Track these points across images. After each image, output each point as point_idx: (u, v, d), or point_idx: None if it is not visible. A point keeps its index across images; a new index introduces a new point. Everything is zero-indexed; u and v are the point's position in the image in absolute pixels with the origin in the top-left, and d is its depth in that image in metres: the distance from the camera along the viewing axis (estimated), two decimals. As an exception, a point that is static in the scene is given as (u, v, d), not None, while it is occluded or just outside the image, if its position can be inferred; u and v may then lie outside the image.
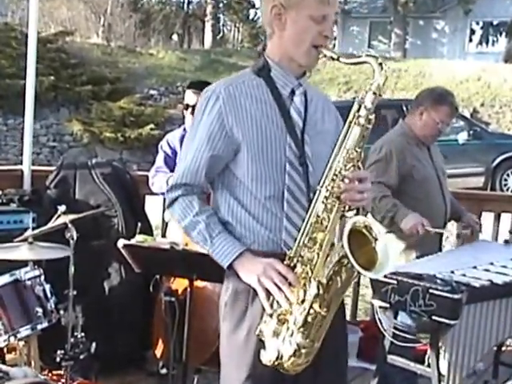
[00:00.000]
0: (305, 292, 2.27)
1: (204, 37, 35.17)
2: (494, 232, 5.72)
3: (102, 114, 19.50)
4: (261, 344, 2.32)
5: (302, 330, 2.27)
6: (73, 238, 3.76)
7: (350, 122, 2.36)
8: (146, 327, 4.42)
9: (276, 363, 2.29)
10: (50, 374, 4.00)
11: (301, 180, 2.43)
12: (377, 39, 35.96)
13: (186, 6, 37.52)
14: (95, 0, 31.71)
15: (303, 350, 2.27)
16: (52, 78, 19.87)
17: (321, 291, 2.25)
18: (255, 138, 2.41)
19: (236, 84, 2.46)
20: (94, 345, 3.87)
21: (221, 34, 37.22)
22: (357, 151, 2.35)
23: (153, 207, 5.26)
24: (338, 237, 2.32)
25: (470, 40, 34.77)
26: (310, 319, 2.27)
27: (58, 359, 3.74)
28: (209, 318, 3.87)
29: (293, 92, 2.50)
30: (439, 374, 3.33)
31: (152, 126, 18.90)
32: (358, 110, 2.36)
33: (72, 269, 3.81)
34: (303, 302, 2.27)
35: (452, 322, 3.20)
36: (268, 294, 2.31)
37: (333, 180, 2.33)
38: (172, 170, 4.47)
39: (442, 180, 4.46)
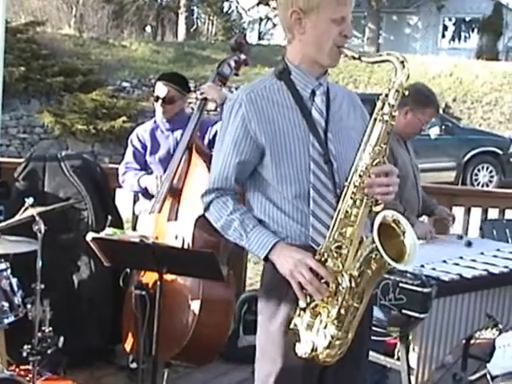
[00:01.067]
0: (337, 285, 2.34)
1: (178, 29, 35.03)
2: (465, 226, 5.77)
3: (73, 105, 19.29)
4: (295, 337, 2.40)
5: (335, 322, 2.34)
6: (40, 231, 3.71)
7: (375, 119, 2.41)
8: (116, 321, 4.40)
9: (311, 355, 2.36)
10: (17, 369, 3.97)
11: (326, 178, 2.49)
12: (350, 34, 36.05)
13: (159, -3, 37.36)
14: (67, -10, 31.44)
15: (337, 342, 2.35)
16: (22, 68, 19.60)
17: (353, 284, 2.33)
18: (278, 141, 2.48)
19: (257, 89, 2.53)
20: (61, 339, 3.84)
21: (194, 27, 37.06)
22: (382, 147, 2.40)
23: (123, 200, 5.23)
24: (368, 230, 2.39)
25: (443, 36, 35.06)
26: (343, 311, 2.34)
27: (25, 354, 3.70)
28: (179, 312, 3.87)
29: (313, 93, 2.56)
30: (409, 367, 3.38)
31: (124, 118, 18.77)
32: (382, 107, 2.41)
33: (40, 262, 3.76)
34: (336, 294, 2.34)
35: (422, 316, 3.24)
36: (301, 287, 2.37)
37: (360, 176, 2.39)
38: (141, 166, 4.45)
39: (417, 175, 4.52)
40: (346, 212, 2.38)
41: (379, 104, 2.41)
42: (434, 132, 13.95)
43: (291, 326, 2.40)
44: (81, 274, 4.66)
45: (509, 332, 2.56)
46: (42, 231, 3.72)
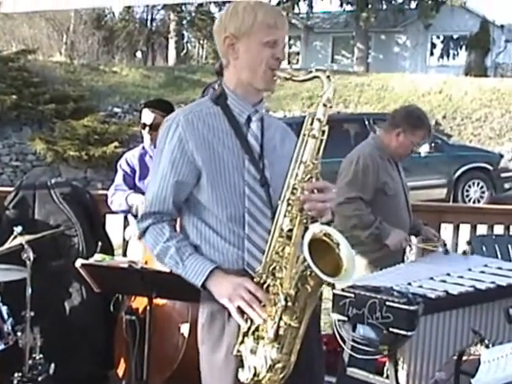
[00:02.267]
0: (275, 306, 2.30)
1: (168, 54, 35.19)
2: (454, 242, 5.79)
3: (65, 132, 19.33)
4: (240, 363, 2.36)
5: (275, 343, 2.30)
6: (29, 259, 3.75)
7: (304, 135, 2.41)
8: (108, 346, 4.41)
9: (254, 381, 2.32)
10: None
11: (262, 203, 2.49)
12: (340, 54, 36.25)
13: (149, 22, 37.44)
14: (57, 17, 31.56)
15: (278, 365, 2.31)
16: (14, 96, 19.71)
17: (289, 303, 2.29)
18: (213, 164, 2.47)
19: (194, 112, 2.53)
20: (52, 366, 3.86)
21: (185, 51, 37.21)
22: (313, 163, 2.40)
23: (114, 226, 5.25)
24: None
25: (431, 54, 35.24)
26: (281, 332, 2.30)
27: (15, 382, 3.72)
28: (169, 336, 3.89)
29: (249, 118, 2.57)
30: (398, 384, 3.38)
31: (116, 143, 18.80)
32: (311, 123, 2.42)
33: (29, 290, 3.79)
34: (274, 315, 2.30)
35: (409, 334, 3.23)
36: (241, 312, 2.35)
37: (292, 193, 2.38)
38: (131, 188, 4.48)
39: (407, 194, 4.57)
40: (281, 230, 2.36)
41: (308, 120, 2.42)
42: (424, 150, 13.97)
43: (234, 352, 2.36)
44: (72, 301, 4.67)
45: (494, 347, 2.58)
46: (31, 259, 3.75)
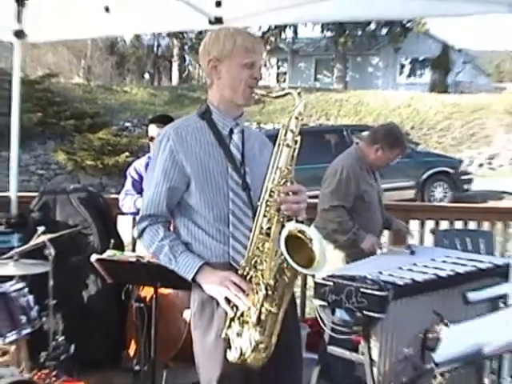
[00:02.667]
0: (257, 294, 2.31)
1: (172, 75, 35.15)
2: (420, 236, 5.81)
3: (83, 144, 19.32)
4: (227, 345, 2.37)
5: (257, 327, 2.31)
6: (51, 255, 3.75)
7: (279, 145, 2.42)
8: (121, 330, 4.41)
9: (240, 360, 2.33)
10: (38, 373, 3.98)
11: (244, 205, 2.50)
12: (322, 73, 36.28)
13: (155, 48, 37.39)
14: (77, 45, 31.49)
15: (261, 345, 2.32)
16: (40, 114, 19.80)
17: (269, 292, 2.30)
18: (200, 173, 2.49)
19: (183, 126, 2.54)
20: (72, 346, 3.87)
21: (186, 72, 37.12)
22: (288, 169, 2.41)
23: (124, 226, 5.25)
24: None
25: (401, 73, 35.30)
26: (263, 317, 2.31)
27: (42, 360, 3.76)
28: (173, 320, 3.89)
29: (231, 131, 2.58)
30: (371, 360, 3.38)
31: (127, 153, 18.77)
32: (285, 134, 2.42)
33: (51, 281, 3.80)
34: (256, 303, 2.31)
35: (380, 316, 3.25)
36: (228, 301, 2.36)
37: (270, 195, 2.38)
38: (139, 193, 4.48)
39: (382, 199, 4.58)
40: (261, 228, 2.37)
41: (282, 131, 2.42)
42: (396, 156, 14.04)
43: (223, 335, 2.38)
44: (89, 291, 4.68)
45: (453, 326, 2.59)
46: (53, 254, 3.75)
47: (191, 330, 2.59)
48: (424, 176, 14.33)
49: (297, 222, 2.39)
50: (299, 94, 2.43)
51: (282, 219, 2.38)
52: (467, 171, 15.21)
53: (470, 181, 14.61)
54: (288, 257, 2.23)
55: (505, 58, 56.83)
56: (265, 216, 2.38)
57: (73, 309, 4.47)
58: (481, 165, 21.28)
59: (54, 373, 3.82)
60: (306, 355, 4.64)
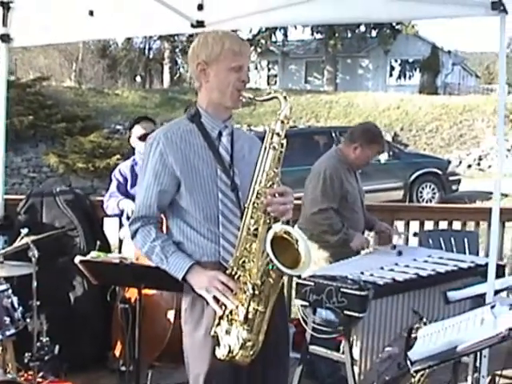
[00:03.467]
0: (244, 294, 2.35)
1: (163, 77, 35.16)
2: (405, 236, 5.83)
3: (74, 147, 19.35)
4: (216, 342, 2.41)
5: (245, 326, 2.35)
6: (34, 257, 3.75)
7: (266, 148, 2.44)
8: (107, 331, 4.40)
9: (229, 357, 2.37)
10: (25, 374, 3.99)
11: (233, 205, 2.53)
12: (312, 76, 36.36)
13: (147, 51, 37.48)
14: (68, 49, 31.52)
15: (249, 343, 2.36)
16: (31, 117, 19.83)
17: (256, 291, 2.34)
18: (191, 174, 2.52)
19: (173, 130, 2.57)
20: (57, 347, 3.87)
21: (177, 75, 37.14)
22: (274, 171, 2.43)
23: (111, 227, 5.26)
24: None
25: (391, 75, 35.47)
26: (250, 316, 2.35)
27: (26, 360, 3.76)
28: (158, 321, 3.89)
29: (220, 133, 2.61)
30: (352, 358, 3.39)
31: (118, 156, 18.74)
32: (272, 137, 2.44)
33: (35, 283, 3.80)
34: (244, 302, 2.35)
35: (361, 315, 3.27)
36: (216, 300, 2.40)
37: (257, 197, 2.41)
38: (123, 195, 4.49)
39: (363, 199, 4.61)
40: (248, 229, 2.40)
41: (269, 135, 2.45)
42: (384, 157, 14.08)
43: (212, 333, 2.41)
44: (76, 292, 4.68)
45: (431, 324, 2.62)
46: (36, 256, 3.76)
47: (182, 325, 2.63)
48: (412, 177, 14.38)
49: (283, 223, 2.43)
50: (285, 97, 2.46)
51: (268, 220, 2.41)
52: (455, 172, 15.28)
53: (458, 181, 14.66)
54: (274, 257, 2.26)
55: (495, 60, 57.06)
56: (252, 217, 2.41)
57: (59, 310, 4.48)
58: (469, 166, 21.39)
59: (40, 374, 3.85)
60: (292, 355, 4.69)
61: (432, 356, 2.35)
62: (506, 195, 15.90)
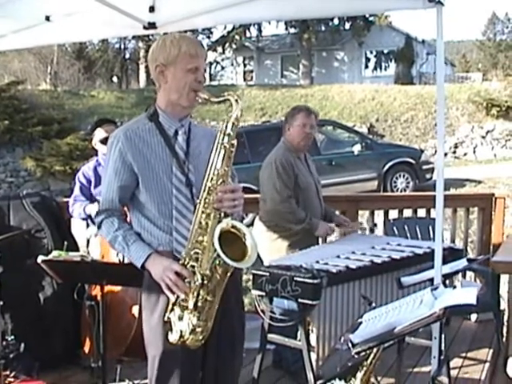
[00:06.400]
0: (194, 283, 2.50)
1: (139, 77, 35.07)
2: (369, 226, 5.96)
3: (51, 150, 19.27)
4: (170, 327, 2.56)
5: (195, 312, 2.51)
6: (-2, 258, 3.84)
7: (217, 147, 2.59)
8: (77, 329, 4.49)
9: (180, 341, 2.54)
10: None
11: (187, 200, 2.68)
12: (288, 70, 36.45)
13: (123, 51, 37.43)
14: (43, 51, 31.27)
15: (198, 329, 2.53)
16: (7, 122, 19.77)
17: (205, 281, 2.50)
18: (146, 171, 2.67)
19: (132, 129, 2.72)
20: (22, 346, 3.95)
21: (154, 74, 37.04)
22: (225, 169, 2.58)
23: (78, 228, 5.32)
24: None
25: (366, 66, 35.59)
26: (200, 304, 2.52)
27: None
28: (123, 316, 3.97)
29: (176, 132, 2.75)
30: (309, 345, 3.49)
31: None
32: (223, 138, 2.59)
33: (-2, 283, 3.88)
34: (193, 291, 2.51)
35: (315, 303, 3.37)
36: (169, 287, 2.54)
37: (208, 194, 2.55)
38: (88, 198, 4.57)
39: (318, 186, 4.68)
40: (200, 223, 2.55)
41: (220, 135, 2.59)
42: (357, 149, 14.19)
43: (165, 318, 2.56)
44: (45, 292, 4.72)
45: (374, 309, 2.72)
46: (-1, 257, 3.84)
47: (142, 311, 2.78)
48: (386, 167, 14.45)
49: (232, 218, 2.56)
50: (236, 100, 2.60)
51: (218, 216, 2.55)
52: (428, 161, 15.37)
53: (431, 170, 14.77)
54: (220, 251, 2.42)
55: (472, 48, 57.42)
56: (203, 212, 2.55)
57: (29, 310, 4.55)
58: (445, 154, 21.56)
59: (12, 373, 3.93)
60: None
61: (372, 338, 2.45)
62: (480, 182, 16.15)
